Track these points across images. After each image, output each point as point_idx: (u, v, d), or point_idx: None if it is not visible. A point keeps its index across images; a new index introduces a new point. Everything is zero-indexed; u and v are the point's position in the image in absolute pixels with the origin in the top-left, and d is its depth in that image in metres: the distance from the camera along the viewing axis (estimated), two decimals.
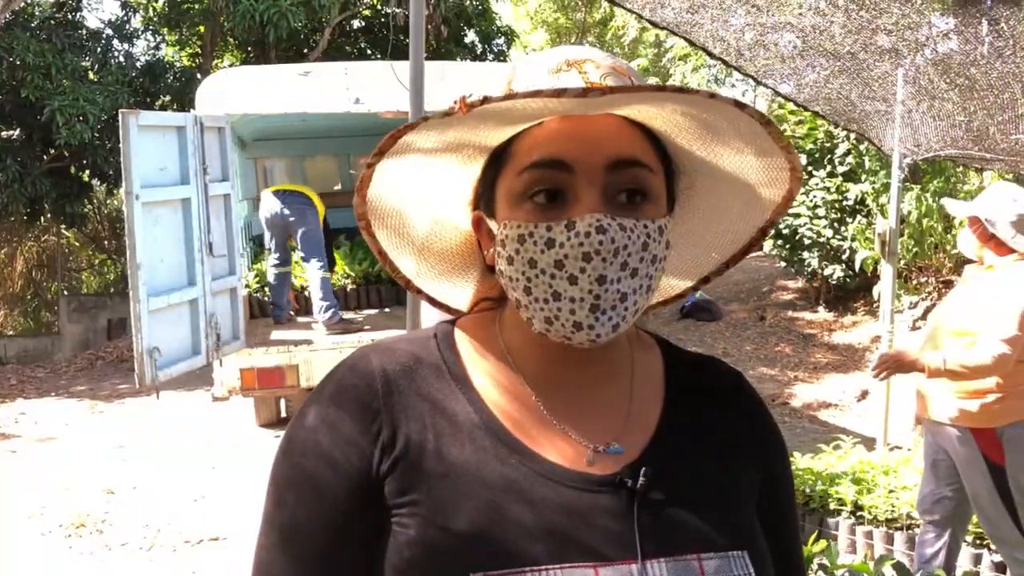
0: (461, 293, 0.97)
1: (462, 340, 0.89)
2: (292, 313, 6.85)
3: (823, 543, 2.55)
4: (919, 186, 9.24)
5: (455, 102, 0.74)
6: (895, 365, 3.12)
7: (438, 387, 0.84)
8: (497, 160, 0.83)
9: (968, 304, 3.09)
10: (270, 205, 6.54)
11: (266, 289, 6.93)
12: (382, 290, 7.28)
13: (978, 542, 3.70)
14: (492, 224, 0.83)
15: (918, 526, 3.60)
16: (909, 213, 8.47)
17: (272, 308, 6.70)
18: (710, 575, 0.76)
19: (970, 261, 3.28)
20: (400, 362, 0.85)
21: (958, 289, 3.32)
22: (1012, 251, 3.02)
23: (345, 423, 0.81)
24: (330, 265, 6.91)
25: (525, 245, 0.77)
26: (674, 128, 0.82)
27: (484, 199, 0.85)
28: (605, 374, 0.87)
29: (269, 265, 6.65)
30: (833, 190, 9.94)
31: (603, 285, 0.75)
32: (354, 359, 0.86)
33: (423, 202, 0.91)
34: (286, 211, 6.44)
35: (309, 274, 6.41)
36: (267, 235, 6.76)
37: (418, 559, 0.75)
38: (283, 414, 7.10)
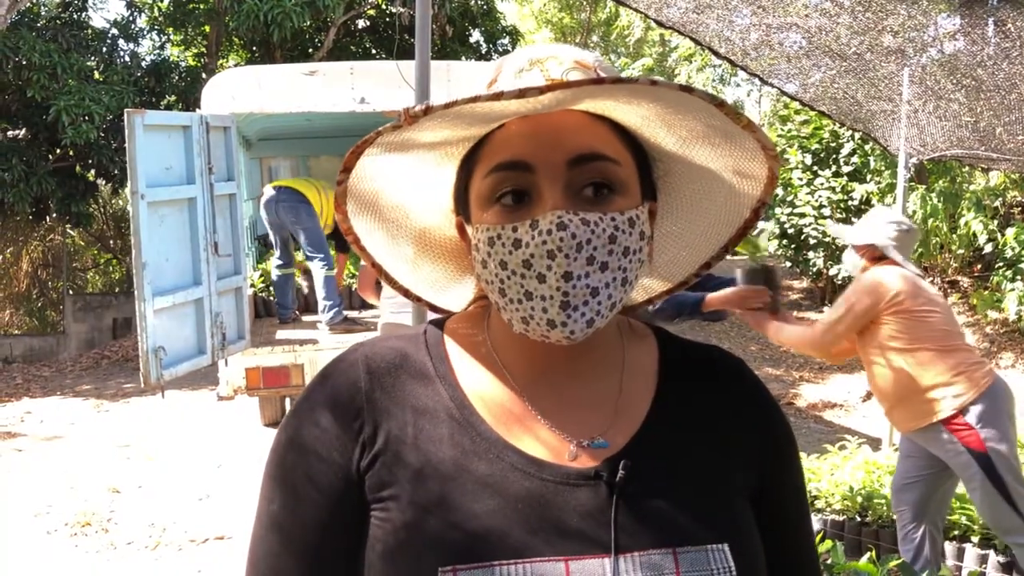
0: (465, 299, 0.97)
1: (450, 337, 0.90)
2: (296, 312, 6.86)
3: (828, 543, 2.55)
4: (924, 186, 9.23)
5: (399, 113, 0.74)
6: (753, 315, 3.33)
7: (422, 384, 0.85)
8: (468, 165, 0.84)
9: None
10: (266, 201, 6.51)
11: (271, 289, 6.96)
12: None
13: (984, 542, 3.69)
14: (469, 229, 0.84)
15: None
16: (914, 213, 8.45)
17: (277, 307, 6.72)
18: (686, 569, 0.76)
19: None
20: (387, 359, 0.86)
21: None
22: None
23: (330, 420, 0.83)
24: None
25: (495, 247, 0.78)
26: (637, 119, 0.81)
27: (461, 205, 0.86)
28: (593, 368, 0.86)
29: (273, 266, 6.67)
30: (838, 190, 9.93)
31: (570, 281, 0.75)
32: (342, 357, 0.88)
33: (411, 213, 0.92)
34: (279, 211, 6.40)
35: (313, 273, 6.41)
36: (270, 234, 6.76)
37: (393, 551, 0.77)
38: None
